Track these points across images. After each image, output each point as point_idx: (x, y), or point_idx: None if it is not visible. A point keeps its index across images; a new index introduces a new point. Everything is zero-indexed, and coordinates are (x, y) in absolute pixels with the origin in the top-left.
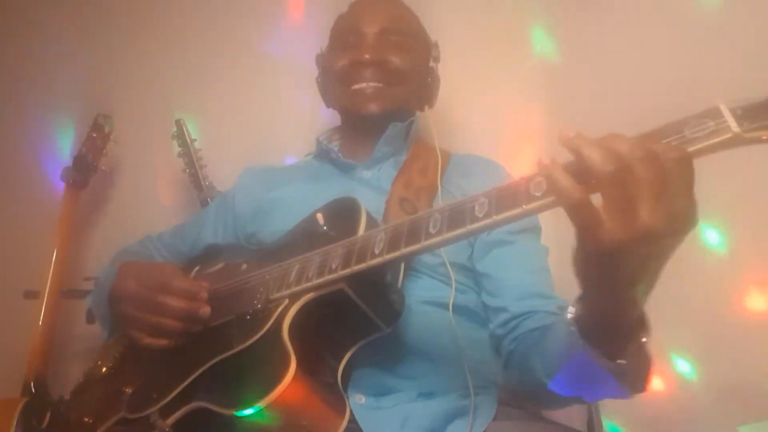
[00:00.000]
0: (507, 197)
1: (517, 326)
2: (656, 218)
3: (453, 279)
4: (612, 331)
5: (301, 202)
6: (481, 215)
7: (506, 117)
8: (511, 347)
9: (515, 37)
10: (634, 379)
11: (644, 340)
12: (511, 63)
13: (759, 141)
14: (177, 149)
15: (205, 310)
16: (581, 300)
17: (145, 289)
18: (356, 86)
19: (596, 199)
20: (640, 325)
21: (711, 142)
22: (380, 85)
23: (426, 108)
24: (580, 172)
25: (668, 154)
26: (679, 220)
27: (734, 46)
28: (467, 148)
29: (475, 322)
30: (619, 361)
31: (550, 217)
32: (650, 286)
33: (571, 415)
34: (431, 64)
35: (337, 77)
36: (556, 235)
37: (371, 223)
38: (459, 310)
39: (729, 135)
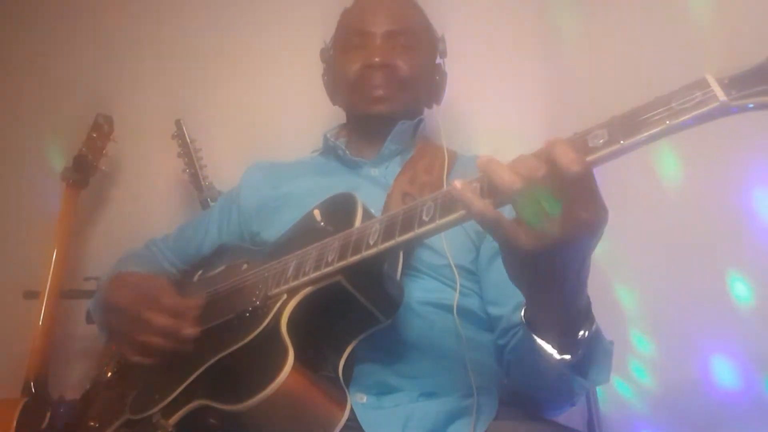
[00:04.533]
0: None
1: (514, 336)
2: (565, 229)
3: (458, 281)
4: (556, 326)
5: (307, 199)
6: None
7: (512, 116)
8: (509, 357)
9: (522, 37)
10: (590, 369)
11: (584, 333)
12: (517, 63)
13: (745, 109)
14: (177, 149)
15: (189, 331)
16: (525, 303)
17: (133, 305)
18: (366, 93)
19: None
20: (585, 317)
21: (698, 111)
22: (390, 90)
23: (434, 105)
24: (493, 190)
25: (570, 167)
26: (588, 226)
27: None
28: (473, 148)
29: (476, 325)
30: (563, 356)
31: None
32: (582, 280)
33: (572, 415)
34: (438, 60)
35: (348, 83)
36: None
37: (367, 216)
38: (462, 312)
39: (716, 104)
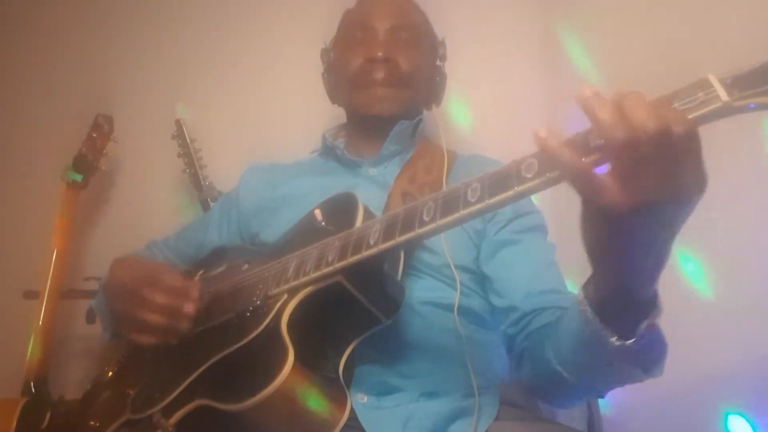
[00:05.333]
0: (499, 181)
1: (529, 323)
2: (662, 188)
3: (458, 281)
4: (623, 309)
5: (306, 200)
6: (473, 200)
7: (511, 116)
8: (524, 344)
9: (521, 38)
10: (648, 361)
11: (652, 321)
12: (517, 63)
13: (747, 109)
14: (177, 149)
15: (189, 306)
16: (592, 278)
17: (133, 283)
18: (367, 90)
19: None
20: (652, 304)
21: (701, 112)
22: (390, 89)
23: (433, 106)
24: (582, 143)
25: (677, 127)
26: (686, 190)
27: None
28: (473, 148)
29: (477, 325)
30: (628, 342)
31: (552, 218)
32: (662, 260)
33: (572, 415)
34: (438, 62)
35: (349, 78)
36: (559, 236)
37: (368, 216)
38: (462, 311)
39: (719, 104)
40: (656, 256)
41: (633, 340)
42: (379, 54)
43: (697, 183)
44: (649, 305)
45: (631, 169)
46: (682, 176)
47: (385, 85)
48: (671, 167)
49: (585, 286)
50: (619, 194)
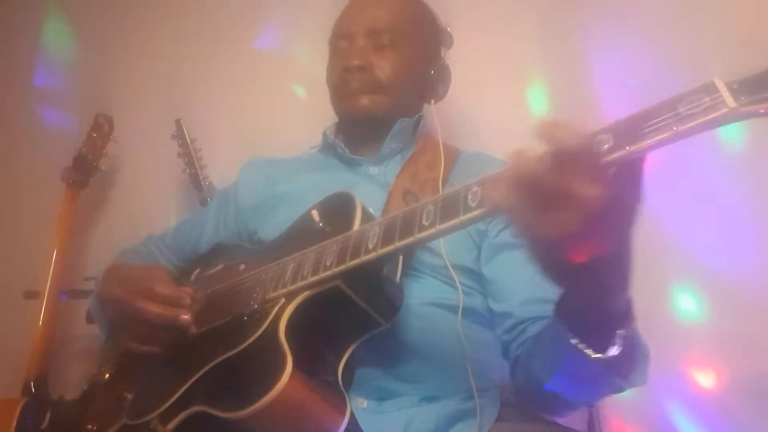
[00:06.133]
0: None
1: (523, 331)
2: (575, 213)
3: (458, 283)
4: (596, 321)
5: (305, 198)
6: (474, 204)
7: (513, 113)
8: (517, 353)
9: (524, 34)
10: (627, 370)
11: (621, 331)
12: (520, 60)
13: (755, 115)
14: (177, 149)
15: (184, 318)
16: (561, 296)
17: (127, 294)
18: (346, 100)
19: None
20: (626, 314)
21: (707, 117)
22: (368, 97)
23: (432, 101)
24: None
25: (565, 141)
26: (597, 206)
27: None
28: (475, 144)
29: (479, 324)
30: (598, 356)
31: None
32: (624, 272)
33: (572, 415)
34: (442, 53)
35: (333, 87)
36: None
37: (366, 217)
38: (464, 312)
39: (725, 110)
40: (609, 270)
41: (607, 351)
42: (354, 62)
43: (602, 195)
44: (623, 315)
45: (539, 203)
46: (586, 192)
47: (361, 93)
48: (572, 186)
49: (558, 302)
50: (547, 229)
